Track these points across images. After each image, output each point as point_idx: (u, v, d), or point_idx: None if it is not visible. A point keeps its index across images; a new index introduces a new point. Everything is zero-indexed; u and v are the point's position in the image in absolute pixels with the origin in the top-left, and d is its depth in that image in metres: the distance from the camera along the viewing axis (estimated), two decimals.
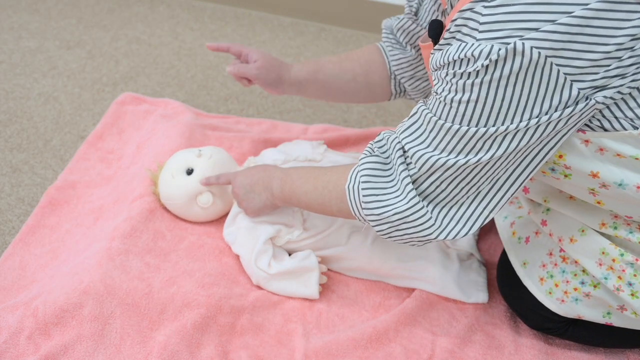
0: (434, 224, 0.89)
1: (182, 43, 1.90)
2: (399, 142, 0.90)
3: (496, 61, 0.76)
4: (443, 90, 0.84)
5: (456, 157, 0.84)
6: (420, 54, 1.20)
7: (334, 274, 1.23)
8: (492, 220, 1.30)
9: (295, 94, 1.27)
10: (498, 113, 0.80)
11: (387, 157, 0.92)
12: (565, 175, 0.91)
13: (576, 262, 1.01)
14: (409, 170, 0.89)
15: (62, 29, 1.92)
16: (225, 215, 1.28)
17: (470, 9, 0.79)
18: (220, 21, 2.01)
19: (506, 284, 1.15)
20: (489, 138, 0.81)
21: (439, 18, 1.10)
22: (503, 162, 0.85)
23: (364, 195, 0.91)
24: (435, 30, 0.93)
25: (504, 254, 1.17)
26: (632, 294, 0.95)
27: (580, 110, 0.80)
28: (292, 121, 1.65)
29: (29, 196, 1.36)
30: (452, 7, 0.92)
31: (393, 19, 1.23)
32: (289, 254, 1.21)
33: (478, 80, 0.78)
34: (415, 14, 1.16)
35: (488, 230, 1.33)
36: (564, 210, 1.00)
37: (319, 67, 1.24)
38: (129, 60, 1.81)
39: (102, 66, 1.78)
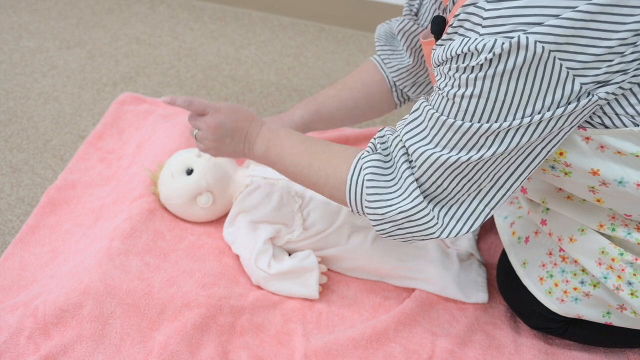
0: (436, 223, 0.89)
1: (182, 43, 1.90)
2: (401, 139, 0.90)
3: (500, 55, 0.76)
4: (446, 85, 0.83)
5: (458, 153, 0.84)
6: (420, 60, 1.19)
7: (334, 274, 1.23)
8: (492, 221, 1.30)
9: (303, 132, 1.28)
10: (501, 108, 0.80)
11: (387, 155, 0.91)
12: (566, 173, 0.91)
13: (576, 261, 1.01)
14: (411, 169, 0.88)
15: (62, 29, 1.92)
16: (225, 215, 1.28)
17: (473, 4, 0.79)
18: (220, 21, 2.01)
19: (506, 284, 1.15)
20: (491, 134, 0.81)
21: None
22: (505, 159, 0.85)
23: (368, 194, 0.90)
24: (438, 26, 0.93)
25: (503, 254, 1.17)
26: (632, 293, 0.95)
27: (583, 107, 0.80)
28: None
29: (29, 196, 1.36)
30: (453, 4, 0.92)
31: (389, 23, 1.23)
32: (289, 254, 1.21)
33: (481, 74, 0.78)
34: (416, 14, 1.16)
35: (488, 230, 1.33)
36: (562, 211, 1.00)
37: (319, 106, 1.24)
38: (129, 60, 1.81)
39: (102, 66, 1.78)
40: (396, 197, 0.89)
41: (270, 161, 1.06)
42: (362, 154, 0.93)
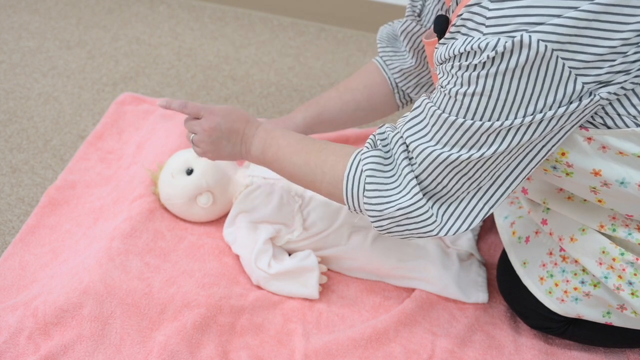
0: (435, 220, 0.89)
1: (182, 43, 1.90)
2: (401, 136, 0.90)
3: (502, 53, 0.76)
4: (448, 83, 0.84)
5: (459, 151, 0.84)
6: (422, 61, 1.20)
7: (334, 274, 1.23)
8: (492, 220, 1.30)
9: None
10: (503, 106, 0.80)
11: (387, 152, 0.91)
12: (567, 174, 0.91)
13: (576, 261, 1.01)
14: (411, 166, 0.88)
15: (62, 29, 1.92)
16: (225, 215, 1.28)
17: (477, 4, 0.79)
18: (220, 21, 2.01)
19: (506, 284, 1.15)
20: (492, 132, 0.81)
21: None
22: (505, 158, 0.85)
23: (367, 190, 0.90)
24: (441, 25, 0.94)
25: (504, 254, 1.17)
26: (632, 293, 0.95)
27: (585, 106, 0.80)
28: None
29: (29, 196, 1.36)
30: (457, 4, 0.92)
31: (391, 25, 1.23)
32: (289, 254, 1.21)
33: (484, 72, 0.78)
34: (419, 15, 1.16)
35: (488, 230, 1.33)
36: (563, 211, 1.00)
37: (321, 108, 1.24)
38: (129, 60, 1.81)
39: (102, 66, 1.78)
40: (395, 194, 0.89)
41: (267, 161, 1.05)
42: (361, 149, 0.93)
